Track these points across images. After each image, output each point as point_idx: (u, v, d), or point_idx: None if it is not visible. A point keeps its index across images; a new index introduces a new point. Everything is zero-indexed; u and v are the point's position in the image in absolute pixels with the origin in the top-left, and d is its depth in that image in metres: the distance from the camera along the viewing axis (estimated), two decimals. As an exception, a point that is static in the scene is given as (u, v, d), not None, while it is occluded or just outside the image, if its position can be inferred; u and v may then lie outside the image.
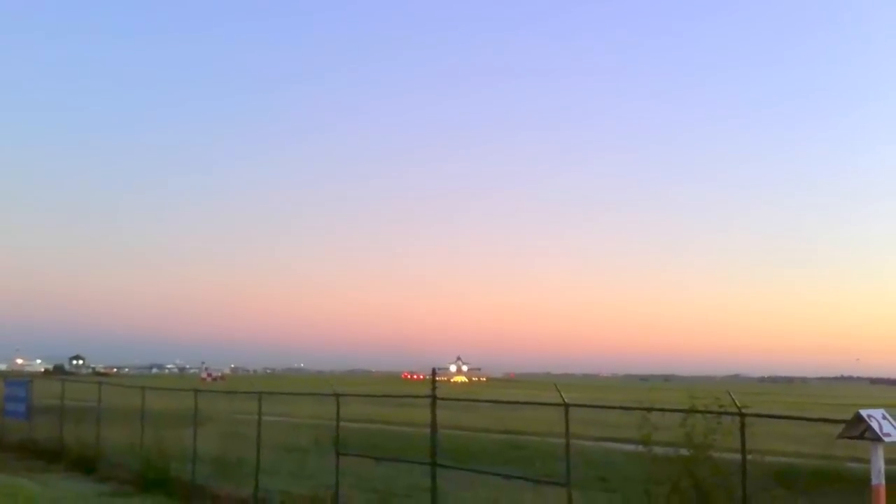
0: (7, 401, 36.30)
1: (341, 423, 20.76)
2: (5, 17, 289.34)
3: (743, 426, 12.91)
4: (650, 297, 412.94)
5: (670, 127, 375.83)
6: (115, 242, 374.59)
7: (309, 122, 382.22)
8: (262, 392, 24.02)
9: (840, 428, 10.23)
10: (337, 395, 21.17)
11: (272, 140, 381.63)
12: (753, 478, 13.07)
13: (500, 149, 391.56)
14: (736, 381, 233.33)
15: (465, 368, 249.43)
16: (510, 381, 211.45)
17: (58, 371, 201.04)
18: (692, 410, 14.38)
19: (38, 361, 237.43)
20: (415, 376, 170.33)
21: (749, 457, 12.94)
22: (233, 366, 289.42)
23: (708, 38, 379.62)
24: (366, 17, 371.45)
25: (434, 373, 19.04)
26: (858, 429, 9.73)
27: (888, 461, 9.84)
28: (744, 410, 12.97)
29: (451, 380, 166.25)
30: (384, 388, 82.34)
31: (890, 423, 9.53)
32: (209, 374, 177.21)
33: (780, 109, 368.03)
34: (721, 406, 13.84)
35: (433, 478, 17.58)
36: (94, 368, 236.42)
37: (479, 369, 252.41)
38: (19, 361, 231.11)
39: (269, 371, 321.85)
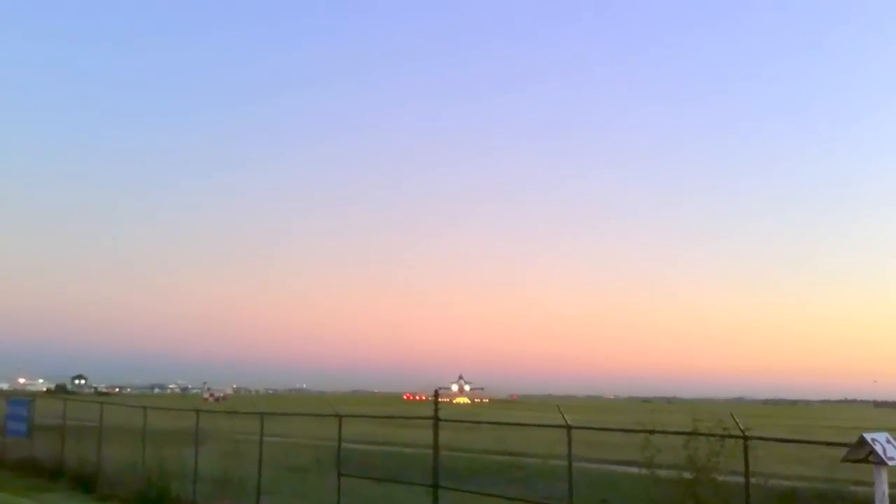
0: (9, 419, 36.26)
1: (343, 444, 20.73)
2: None
3: (746, 449, 12.87)
4: (653, 318, 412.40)
5: (673, 137, 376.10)
6: (118, 262, 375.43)
7: (309, 132, 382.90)
8: (263, 412, 24.01)
9: (844, 451, 10.20)
10: (339, 416, 21.16)
11: (272, 157, 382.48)
12: (756, 501, 13.02)
13: (502, 164, 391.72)
14: (739, 404, 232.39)
15: (467, 388, 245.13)
16: (513, 402, 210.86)
17: (60, 390, 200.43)
18: (695, 433, 14.36)
19: (41, 381, 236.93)
20: (417, 397, 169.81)
21: (752, 480, 12.90)
22: (235, 386, 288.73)
23: (709, 48, 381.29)
24: (365, 24, 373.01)
25: (437, 394, 19.03)
26: (862, 452, 9.70)
27: (892, 484, 9.81)
28: (747, 433, 12.94)
29: (454, 401, 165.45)
30: (386, 408, 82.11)
31: (894, 446, 9.50)
32: (211, 394, 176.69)
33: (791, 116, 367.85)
34: (724, 429, 13.82)
35: (435, 499, 17.53)
36: (96, 388, 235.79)
37: (482, 388, 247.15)
38: (21, 380, 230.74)
39: (271, 391, 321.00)
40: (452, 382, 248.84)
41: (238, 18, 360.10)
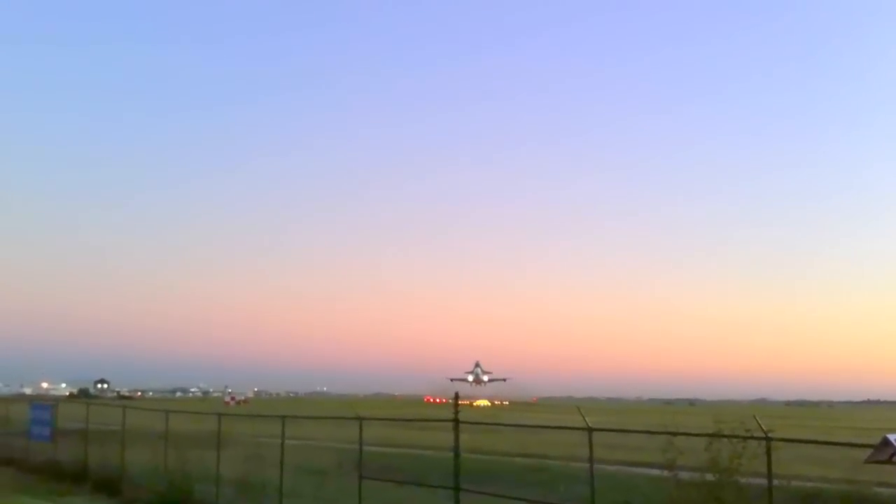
0: (32, 424, 36.66)
1: (364, 447, 20.79)
2: None
3: (769, 450, 12.81)
4: (674, 320, 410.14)
5: (681, 141, 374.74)
6: (139, 267, 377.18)
7: (315, 139, 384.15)
8: (285, 415, 24.11)
9: (867, 452, 10.15)
10: (360, 419, 21.22)
11: (290, 161, 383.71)
12: (780, 502, 12.95)
13: (509, 165, 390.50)
14: (761, 405, 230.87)
15: (485, 379, 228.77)
16: (533, 404, 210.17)
17: (82, 395, 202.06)
18: (718, 435, 14.29)
19: (63, 385, 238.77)
20: (437, 400, 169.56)
21: (775, 482, 12.84)
22: (256, 389, 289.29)
23: (707, 54, 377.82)
24: (360, 27, 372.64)
25: (457, 396, 19.06)
26: (886, 453, 9.65)
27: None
28: (770, 435, 12.88)
29: (474, 403, 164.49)
30: (406, 411, 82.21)
31: (917, 447, 9.45)
32: (233, 398, 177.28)
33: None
34: (747, 430, 13.75)
35: (456, 502, 17.55)
36: (118, 392, 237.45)
37: (504, 379, 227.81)
38: (44, 385, 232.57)
39: (292, 394, 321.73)
40: (468, 372, 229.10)
41: (226, 22, 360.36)
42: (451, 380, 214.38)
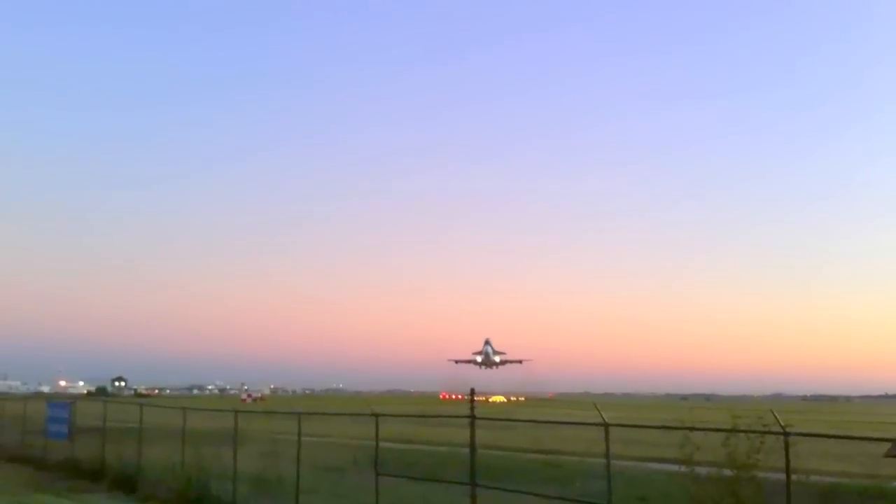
0: (50, 422, 36.91)
1: (380, 443, 20.81)
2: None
3: (787, 445, 12.74)
4: (690, 315, 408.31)
5: (696, 137, 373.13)
6: (157, 266, 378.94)
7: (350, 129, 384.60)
8: (301, 412, 24.17)
9: (886, 447, 10.07)
10: (376, 415, 21.23)
11: (307, 158, 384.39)
12: (797, 498, 12.88)
13: (524, 161, 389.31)
14: (778, 400, 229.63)
15: (497, 360, 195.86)
16: (549, 400, 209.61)
17: (100, 393, 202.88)
18: (735, 430, 14.22)
19: (81, 383, 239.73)
20: (453, 396, 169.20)
21: (793, 477, 12.76)
22: (272, 386, 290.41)
23: (711, 53, 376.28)
24: (365, 21, 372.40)
25: (472, 392, 19.03)
26: (905, 447, 9.57)
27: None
28: (788, 430, 12.80)
29: (490, 400, 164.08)
30: (422, 407, 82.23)
31: (938, 441, 9.36)
32: (249, 395, 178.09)
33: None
34: (764, 425, 13.68)
35: (472, 498, 17.54)
36: (135, 390, 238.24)
37: (520, 361, 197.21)
38: (62, 383, 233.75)
39: (308, 391, 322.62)
40: (476, 353, 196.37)
41: (225, 12, 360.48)
42: (457, 362, 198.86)
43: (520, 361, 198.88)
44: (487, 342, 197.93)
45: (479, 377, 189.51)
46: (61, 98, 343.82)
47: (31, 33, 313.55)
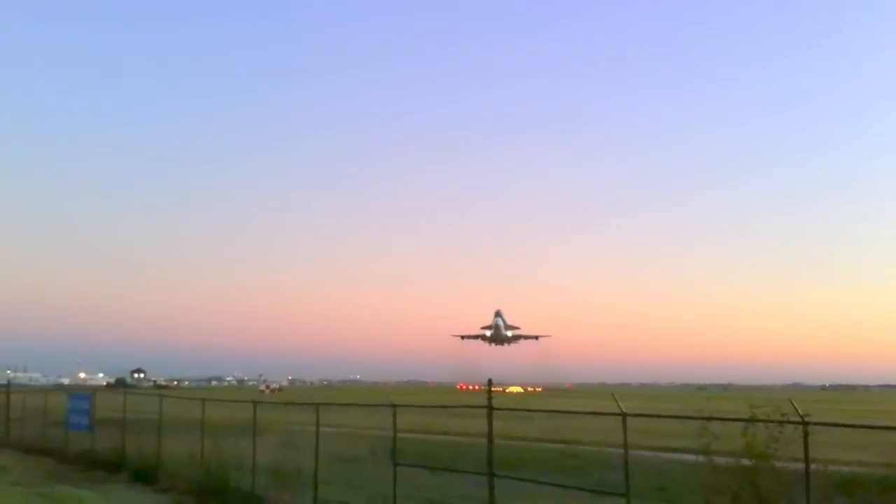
0: (70, 413, 37.21)
1: (397, 434, 20.85)
2: None
3: (806, 435, 12.68)
4: (707, 304, 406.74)
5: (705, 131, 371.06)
6: (174, 259, 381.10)
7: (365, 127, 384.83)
8: (319, 403, 24.25)
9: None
10: (393, 406, 21.28)
11: (333, 155, 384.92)
12: (816, 488, 12.83)
13: (538, 153, 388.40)
14: (796, 390, 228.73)
15: (509, 334, 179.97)
16: (566, 391, 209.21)
17: (119, 384, 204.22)
18: (754, 420, 14.16)
19: (101, 375, 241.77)
20: (470, 387, 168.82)
21: (812, 466, 12.71)
22: (290, 377, 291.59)
23: (722, 41, 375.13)
24: (368, 16, 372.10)
25: (490, 383, 19.02)
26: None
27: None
28: (806, 419, 12.74)
29: (507, 390, 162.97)
30: (439, 398, 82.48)
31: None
32: (267, 386, 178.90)
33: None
34: (783, 415, 13.62)
35: (490, 488, 17.55)
36: (154, 381, 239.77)
37: (536, 337, 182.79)
38: (82, 375, 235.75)
39: (325, 382, 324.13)
40: (485, 327, 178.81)
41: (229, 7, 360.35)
42: (463, 338, 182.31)
43: (535, 337, 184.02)
44: (498, 314, 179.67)
45: (495, 366, 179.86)
46: (76, 90, 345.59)
47: (32, 32, 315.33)
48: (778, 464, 13.92)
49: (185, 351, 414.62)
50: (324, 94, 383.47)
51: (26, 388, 74.12)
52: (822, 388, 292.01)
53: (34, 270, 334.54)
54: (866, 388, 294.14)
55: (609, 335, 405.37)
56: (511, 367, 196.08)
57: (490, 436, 17.78)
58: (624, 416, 15.63)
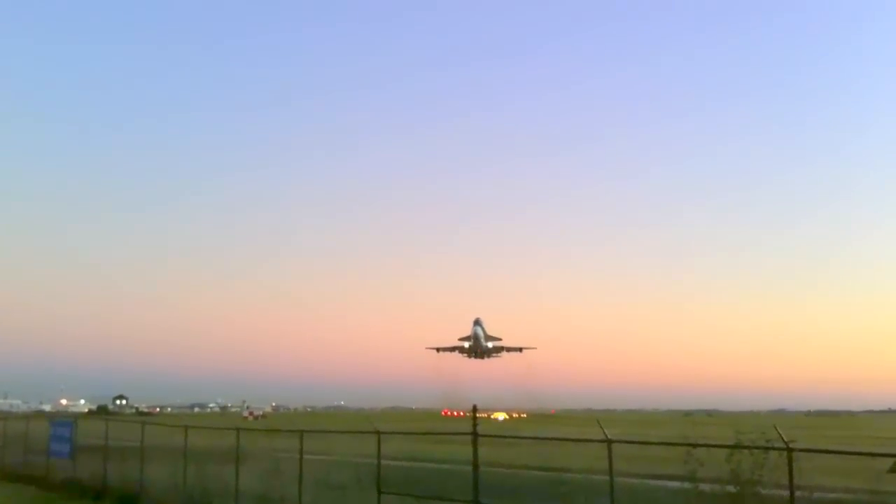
0: (52, 441, 36.83)
1: (382, 461, 20.75)
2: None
3: (791, 461, 12.71)
4: (691, 331, 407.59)
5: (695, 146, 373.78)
6: (156, 284, 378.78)
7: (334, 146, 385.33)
8: (303, 430, 24.12)
9: (889, 462, 10.06)
10: (378, 433, 21.19)
11: (316, 181, 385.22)
12: (802, 514, 12.84)
13: (526, 171, 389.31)
14: (781, 416, 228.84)
15: (489, 345, 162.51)
16: (551, 416, 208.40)
17: (101, 411, 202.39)
18: (739, 446, 14.20)
19: (83, 402, 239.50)
20: (455, 413, 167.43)
21: (797, 493, 12.73)
22: (274, 404, 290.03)
23: (718, 57, 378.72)
24: (370, 28, 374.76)
25: (475, 409, 19.00)
26: (909, 463, 9.55)
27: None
28: (791, 445, 12.78)
29: (491, 416, 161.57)
30: (424, 424, 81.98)
31: (942, 457, 9.35)
32: (251, 413, 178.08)
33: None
34: (768, 441, 13.66)
35: (476, 515, 17.48)
36: (137, 408, 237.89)
37: (520, 349, 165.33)
38: (64, 402, 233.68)
39: (309, 409, 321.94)
40: (462, 338, 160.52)
41: (232, 24, 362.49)
42: (438, 350, 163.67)
43: (520, 349, 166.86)
44: (477, 322, 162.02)
45: (478, 388, 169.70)
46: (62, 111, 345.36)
47: (32, 40, 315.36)
48: (763, 490, 13.94)
49: (168, 377, 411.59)
50: (296, 121, 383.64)
51: (7, 415, 73.37)
52: (807, 413, 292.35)
53: (14, 296, 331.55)
54: (851, 414, 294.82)
55: (594, 360, 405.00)
56: (495, 391, 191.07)
57: (475, 462, 17.73)
58: (609, 442, 15.63)
